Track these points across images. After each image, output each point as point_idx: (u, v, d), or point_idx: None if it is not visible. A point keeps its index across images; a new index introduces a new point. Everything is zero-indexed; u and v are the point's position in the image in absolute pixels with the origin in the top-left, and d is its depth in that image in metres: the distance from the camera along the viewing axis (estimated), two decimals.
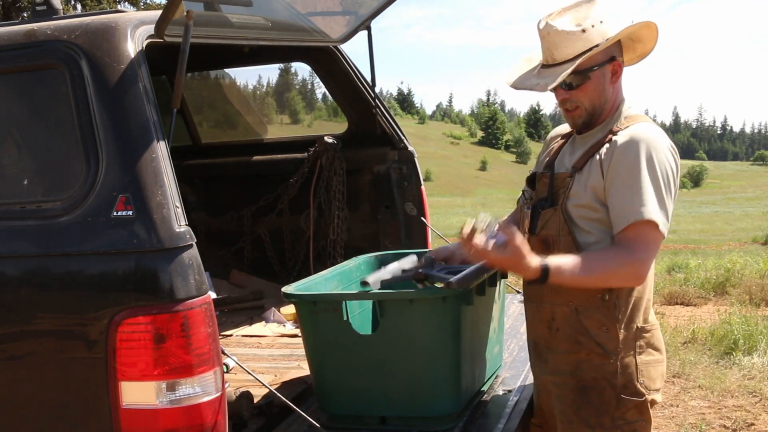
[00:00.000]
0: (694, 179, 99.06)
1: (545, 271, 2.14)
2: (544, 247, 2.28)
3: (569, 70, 2.20)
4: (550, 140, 2.56)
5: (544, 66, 2.30)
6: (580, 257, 2.18)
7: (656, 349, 2.34)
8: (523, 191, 2.50)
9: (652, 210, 2.13)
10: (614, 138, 2.22)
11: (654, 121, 2.36)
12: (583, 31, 2.22)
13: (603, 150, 2.23)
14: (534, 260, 2.14)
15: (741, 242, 23.33)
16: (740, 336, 6.51)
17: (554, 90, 2.27)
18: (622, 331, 2.26)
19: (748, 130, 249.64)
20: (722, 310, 8.18)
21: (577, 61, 2.20)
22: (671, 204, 2.19)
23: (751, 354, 6.22)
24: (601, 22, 2.24)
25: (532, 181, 2.45)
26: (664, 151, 2.18)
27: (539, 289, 2.34)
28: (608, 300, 2.25)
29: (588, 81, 2.25)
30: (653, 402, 2.32)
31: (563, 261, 2.18)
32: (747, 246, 20.78)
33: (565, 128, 2.52)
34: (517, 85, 2.34)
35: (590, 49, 2.21)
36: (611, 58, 2.27)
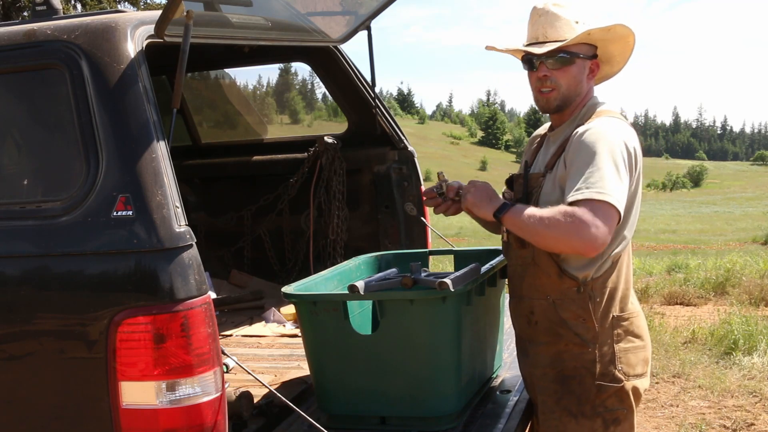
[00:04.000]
0: (694, 179, 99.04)
1: (505, 205, 2.33)
2: (519, 243, 2.43)
3: (563, 43, 2.33)
4: (532, 141, 2.67)
5: (532, 44, 2.40)
6: (541, 210, 2.30)
7: (636, 336, 2.42)
8: (503, 192, 2.60)
9: (595, 189, 2.17)
10: (575, 133, 2.32)
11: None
12: (576, 22, 2.38)
13: (567, 145, 2.34)
14: (500, 199, 2.39)
15: (741, 242, 23.33)
16: (740, 336, 6.50)
17: (537, 66, 2.38)
18: (598, 320, 2.35)
19: (748, 130, 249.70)
20: (722, 310, 8.18)
21: (568, 40, 2.34)
22: (623, 181, 2.22)
23: (751, 354, 6.22)
24: (589, 17, 2.40)
25: (510, 182, 2.59)
26: (613, 138, 2.25)
27: (519, 284, 2.48)
28: (583, 292, 2.34)
29: (572, 65, 2.38)
30: (636, 390, 2.39)
31: (524, 207, 2.32)
32: (747, 246, 20.77)
33: (543, 129, 2.63)
34: (509, 47, 2.48)
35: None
36: (593, 55, 2.42)
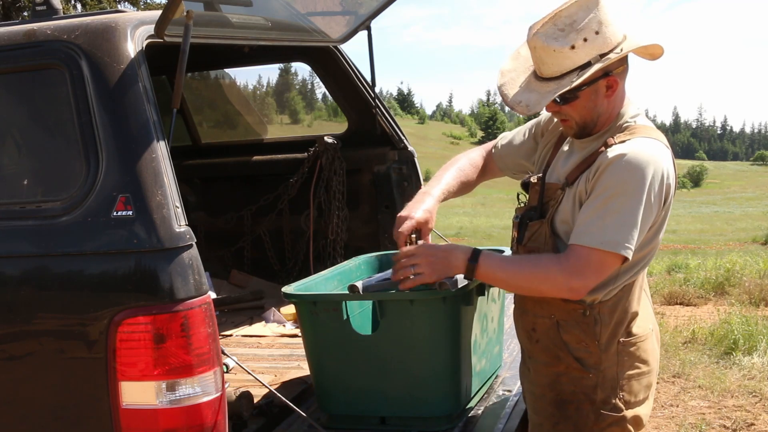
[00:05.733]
0: (694, 179, 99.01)
1: (473, 259, 2.17)
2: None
3: (554, 95, 2.07)
4: (554, 128, 2.41)
5: (535, 77, 2.17)
6: (518, 256, 2.22)
7: (642, 362, 2.24)
8: (518, 194, 2.44)
9: (605, 239, 2.03)
10: (606, 152, 2.10)
11: (653, 122, 2.26)
12: (573, 47, 2.03)
13: (594, 164, 2.12)
14: (462, 248, 2.22)
15: (741, 242, 23.33)
16: (740, 336, 6.50)
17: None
18: (602, 346, 2.18)
19: (748, 130, 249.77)
20: (722, 310, 8.17)
21: (564, 85, 2.06)
22: (641, 231, 2.06)
23: (751, 354, 6.21)
24: (597, 33, 2.04)
25: (526, 186, 2.38)
26: (647, 173, 2.04)
27: (523, 297, 2.32)
28: (588, 315, 2.16)
29: (577, 99, 2.12)
30: (637, 418, 2.23)
31: (497, 254, 2.23)
32: (747, 246, 20.77)
33: None
34: (507, 100, 2.20)
35: (580, 68, 2.06)
36: (605, 73, 2.10)
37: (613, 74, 2.11)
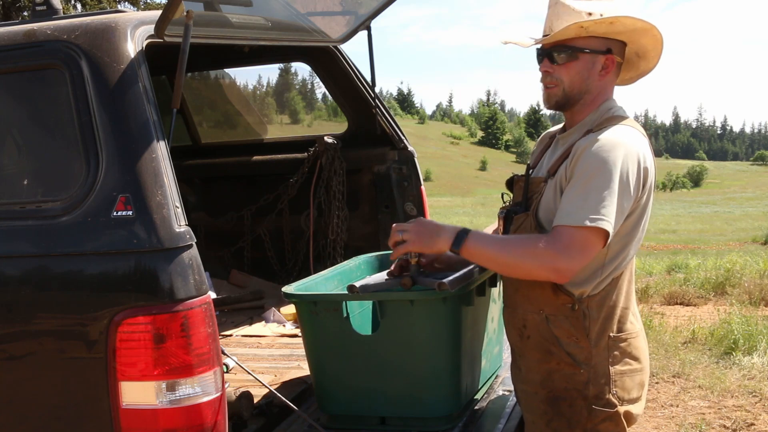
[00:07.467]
0: (694, 179, 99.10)
1: (462, 233, 2.18)
2: None
3: (552, 36, 2.16)
4: (541, 140, 2.53)
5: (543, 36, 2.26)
6: (507, 236, 2.24)
7: (634, 359, 2.26)
8: (502, 194, 2.48)
9: (586, 216, 2.06)
10: (582, 139, 2.18)
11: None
12: (590, 14, 2.16)
13: (572, 152, 2.19)
14: (449, 226, 2.21)
15: (741, 242, 23.35)
16: (740, 336, 6.51)
17: (540, 60, 2.24)
18: (592, 341, 2.20)
19: (748, 130, 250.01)
20: (722, 310, 8.18)
21: (566, 34, 2.15)
22: (623, 203, 2.10)
23: (751, 354, 6.22)
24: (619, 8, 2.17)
25: (510, 184, 2.44)
26: (621, 156, 2.09)
27: (513, 294, 2.34)
28: (577, 310, 2.19)
29: (575, 60, 2.19)
30: (629, 414, 2.25)
31: (487, 233, 2.25)
32: (747, 246, 20.79)
33: (555, 129, 2.49)
34: (508, 39, 2.30)
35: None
36: (607, 50, 2.20)
37: (613, 54, 2.21)
